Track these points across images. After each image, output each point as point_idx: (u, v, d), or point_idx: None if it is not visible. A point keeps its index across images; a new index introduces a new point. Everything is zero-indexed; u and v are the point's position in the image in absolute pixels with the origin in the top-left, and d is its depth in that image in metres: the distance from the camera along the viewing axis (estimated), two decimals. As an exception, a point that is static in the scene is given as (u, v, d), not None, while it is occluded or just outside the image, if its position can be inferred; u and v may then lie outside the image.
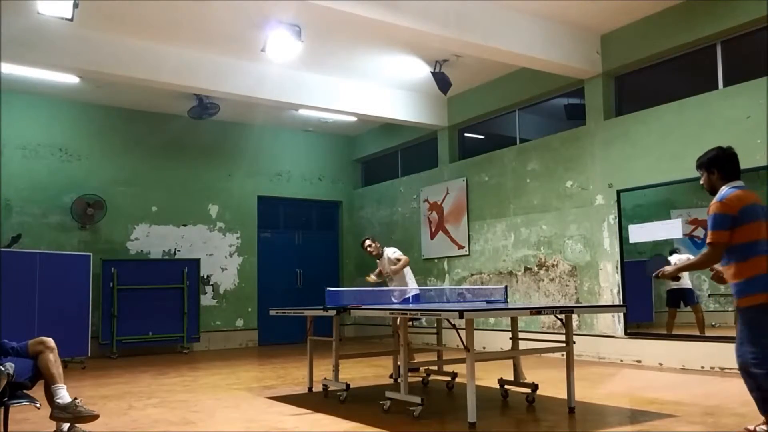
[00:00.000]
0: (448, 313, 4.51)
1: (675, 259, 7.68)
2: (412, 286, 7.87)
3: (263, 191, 12.23)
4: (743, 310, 3.75)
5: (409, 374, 5.39)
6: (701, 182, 4.03)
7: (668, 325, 7.72)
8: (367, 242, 8.12)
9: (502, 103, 9.88)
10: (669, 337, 7.54)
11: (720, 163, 3.92)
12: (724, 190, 3.84)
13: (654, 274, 4.22)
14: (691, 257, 7.45)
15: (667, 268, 4.15)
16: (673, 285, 7.69)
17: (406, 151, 12.41)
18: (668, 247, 7.77)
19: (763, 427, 3.76)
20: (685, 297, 7.68)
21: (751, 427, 3.85)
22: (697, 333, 7.34)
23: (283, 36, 7.36)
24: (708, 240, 3.80)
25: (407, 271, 8.03)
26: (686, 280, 7.65)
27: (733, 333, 6.82)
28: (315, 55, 8.71)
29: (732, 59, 7.15)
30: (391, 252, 8.05)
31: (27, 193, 9.97)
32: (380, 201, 12.53)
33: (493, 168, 9.89)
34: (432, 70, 9.01)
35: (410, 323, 6.65)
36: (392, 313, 5.51)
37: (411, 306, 6.24)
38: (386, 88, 10.23)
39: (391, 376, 6.66)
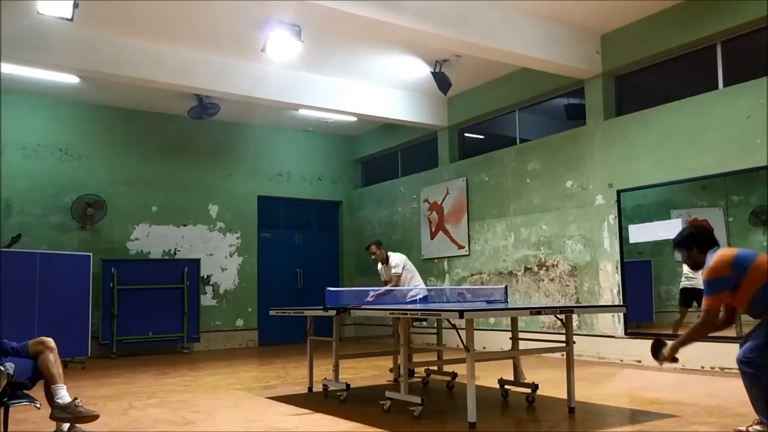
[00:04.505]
0: (448, 313, 4.51)
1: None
2: (418, 287, 7.52)
3: (263, 191, 12.23)
4: None
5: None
6: (682, 260, 4.10)
7: (676, 324, 7.64)
8: (373, 248, 7.72)
9: (502, 103, 9.88)
10: (669, 337, 7.50)
11: (697, 240, 4.01)
12: (708, 257, 3.91)
13: (658, 361, 4.12)
14: (699, 278, 7.48)
15: (665, 351, 4.05)
16: (687, 284, 7.64)
17: (406, 151, 12.41)
18: (668, 246, 7.77)
19: (756, 427, 3.76)
20: (699, 297, 7.56)
21: (743, 428, 3.84)
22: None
23: (283, 36, 7.36)
24: (703, 306, 3.85)
25: (412, 276, 7.69)
26: (699, 280, 7.56)
27: (732, 333, 6.81)
28: (315, 55, 8.71)
29: (732, 59, 7.14)
30: (395, 260, 7.61)
31: (27, 193, 9.97)
32: (380, 201, 12.53)
33: (493, 168, 9.89)
34: (432, 70, 9.01)
35: (415, 323, 6.64)
36: (392, 313, 5.50)
37: (411, 306, 6.24)
38: (386, 88, 10.23)
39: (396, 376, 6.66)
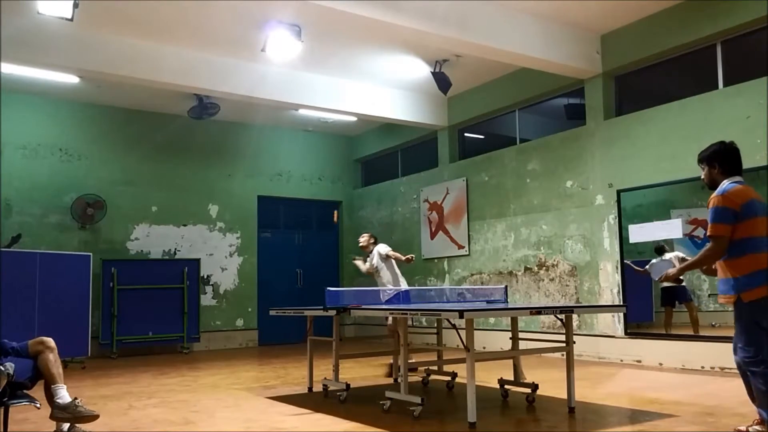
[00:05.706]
0: (448, 313, 4.51)
1: (670, 256, 7.68)
2: (399, 284, 7.50)
3: (263, 191, 12.23)
4: (745, 305, 3.65)
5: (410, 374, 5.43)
6: (702, 176, 4.00)
7: (665, 324, 7.72)
8: (365, 237, 7.78)
9: (502, 103, 9.89)
10: (669, 337, 7.54)
11: (721, 158, 3.89)
12: (725, 184, 3.80)
13: (659, 278, 4.22)
14: (680, 254, 7.54)
15: (671, 271, 4.07)
16: (666, 283, 7.70)
17: (406, 151, 12.41)
18: (669, 247, 7.78)
19: (756, 427, 3.74)
20: (678, 295, 7.67)
21: (743, 428, 3.83)
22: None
23: (283, 36, 7.37)
24: (710, 233, 3.73)
25: (396, 269, 7.68)
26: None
27: (732, 333, 6.81)
28: (315, 55, 8.71)
29: (732, 59, 7.14)
30: (383, 248, 7.64)
31: (27, 193, 9.97)
32: (380, 201, 12.53)
33: (493, 168, 9.89)
34: (432, 70, 9.01)
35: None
36: (392, 314, 5.50)
37: (412, 306, 6.23)
38: (386, 88, 10.23)
39: (390, 375, 6.66)
